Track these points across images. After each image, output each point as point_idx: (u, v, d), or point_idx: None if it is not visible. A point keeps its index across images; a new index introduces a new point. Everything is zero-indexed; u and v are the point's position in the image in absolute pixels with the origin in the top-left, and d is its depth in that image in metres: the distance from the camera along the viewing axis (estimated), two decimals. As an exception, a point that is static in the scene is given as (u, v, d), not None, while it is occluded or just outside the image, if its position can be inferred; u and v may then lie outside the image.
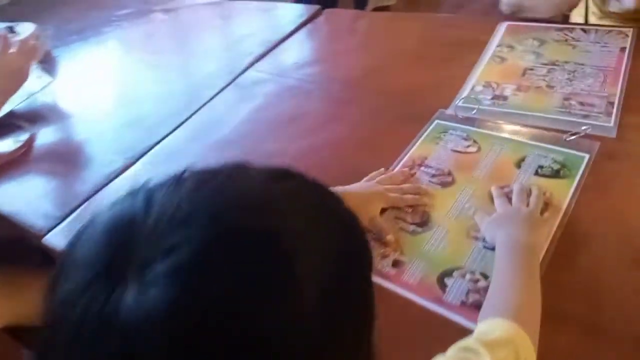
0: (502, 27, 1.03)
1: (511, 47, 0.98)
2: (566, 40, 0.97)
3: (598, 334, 0.51)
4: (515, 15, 1.02)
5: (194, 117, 1.01)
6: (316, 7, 1.30)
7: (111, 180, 0.87)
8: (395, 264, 0.60)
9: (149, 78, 1.22)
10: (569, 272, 0.57)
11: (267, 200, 0.31)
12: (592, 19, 1.12)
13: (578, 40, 0.96)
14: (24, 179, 0.92)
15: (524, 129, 0.77)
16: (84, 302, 0.26)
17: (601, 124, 0.75)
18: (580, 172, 0.67)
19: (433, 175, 0.72)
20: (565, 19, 1.16)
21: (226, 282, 0.26)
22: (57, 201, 0.85)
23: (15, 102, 1.08)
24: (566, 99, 0.82)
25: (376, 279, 0.55)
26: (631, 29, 0.94)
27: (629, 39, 0.92)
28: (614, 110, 0.76)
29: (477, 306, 0.53)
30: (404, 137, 0.82)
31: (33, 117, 1.08)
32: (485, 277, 0.57)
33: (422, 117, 0.86)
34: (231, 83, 1.09)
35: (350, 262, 0.32)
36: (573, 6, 1.07)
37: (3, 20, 1.38)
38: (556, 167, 0.69)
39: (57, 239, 0.77)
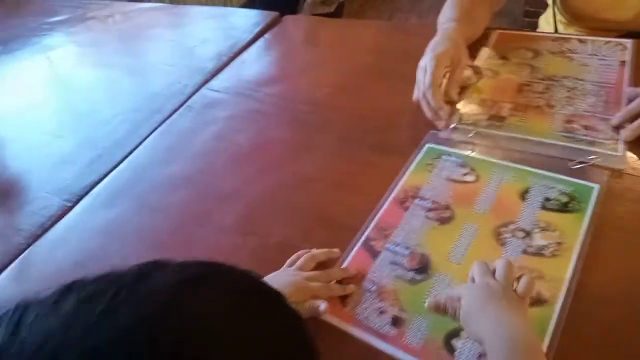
0: (494, 36, 0.95)
1: (504, 58, 0.90)
2: (562, 52, 0.90)
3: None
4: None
5: (139, 148, 0.86)
6: (275, 13, 1.17)
7: (47, 230, 0.72)
8: (396, 321, 0.52)
9: (86, 99, 1.05)
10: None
11: (164, 335, 0.25)
12: (560, 28, 1.07)
13: (575, 52, 0.89)
14: None
15: (525, 155, 0.69)
16: None
17: (609, 152, 0.67)
18: (591, 205, 0.60)
19: (429, 210, 0.64)
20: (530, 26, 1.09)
21: None
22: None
23: None
24: (568, 121, 0.74)
25: (375, 341, 0.50)
26: (630, 40, 0.88)
27: (628, 52, 0.86)
28: (620, 137, 0.70)
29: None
30: (387, 169, 0.71)
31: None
32: None
33: (406, 144, 0.75)
34: (182, 105, 0.95)
35: None
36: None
37: None
38: (564, 199, 0.61)
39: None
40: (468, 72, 0.84)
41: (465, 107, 0.80)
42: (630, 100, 0.71)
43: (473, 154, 0.71)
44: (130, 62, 1.17)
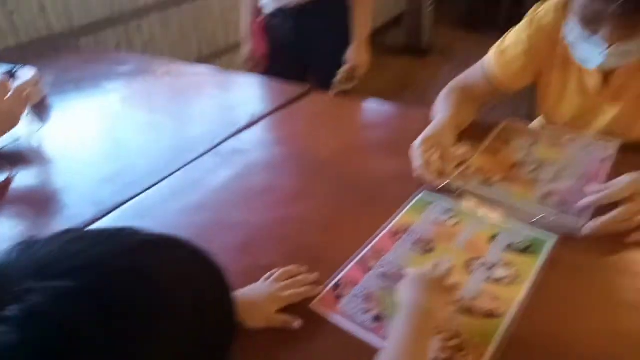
0: (503, 124, 1.09)
1: (506, 141, 1.02)
2: (556, 143, 1.01)
3: None
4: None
5: (170, 178, 1.01)
6: (304, 87, 1.35)
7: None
8: (377, 318, 0.65)
9: (135, 135, 1.23)
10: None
11: (132, 267, 0.35)
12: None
13: (567, 145, 1.00)
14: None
15: (502, 212, 0.83)
16: None
17: (574, 221, 0.78)
18: (546, 250, 0.74)
19: (415, 243, 0.77)
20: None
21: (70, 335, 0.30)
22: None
23: (1, 145, 1.09)
24: (546, 194, 0.86)
25: (359, 332, 0.63)
26: (617, 141, 0.98)
27: (612, 151, 0.96)
28: (587, 213, 0.79)
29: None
30: (371, 219, 0.82)
31: (16, 160, 1.08)
32: (457, 336, 0.61)
33: (390, 200, 0.86)
34: (212, 150, 1.10)
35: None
36: None
37: (6, 63, 1.40)
38: (526, 245, 0.76)
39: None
40: (463, 150, 0.96)
41: (462, 171, 0.92)
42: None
43: (458, 205, 0.85)
44: (175, 111, 1.35)
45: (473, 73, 1.11)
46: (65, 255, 0.34)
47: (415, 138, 0.94)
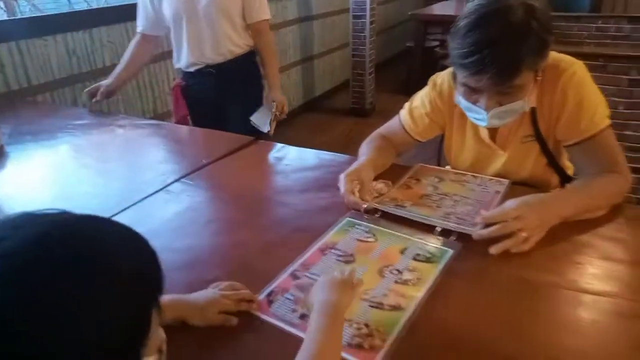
0: (417, 167, 1.27)
1: (418, 180, 1.20)
2: (459, 181, 1.19)
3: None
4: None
5: (120, 214, 1.10)
6: (249, 138, 1.52)
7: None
8: (302, 317, 0.77)
9: (86, 180, 1.32)
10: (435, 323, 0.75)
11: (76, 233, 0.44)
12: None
13: (467, 182, 1.18)
14: None
15: (411, 230, 0.99)
16: None
17: (469, 230, 0.95)
18: (445, 261, 0.90)
19: (340, 256, 0.92)
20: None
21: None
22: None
23: None
24: (448, 214, 1.03)
25: (287, 328, 0.75)
26: (507, 181, 1.17)
27: (504, 187, 1.15)
28: (478, 227, 0.95)
29: (358, 345, 0.71)
30: (301, 244, 0.95)
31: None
32: (367, 325, 0.74)
33: (316, 228, 1.00)
34: (162, 189, 1.21)
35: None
36: None
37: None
38: (428, 255, 0.91)
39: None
40: (381, 185, 1.13)
41: (380, 199, 1.08)
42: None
43: (376, 226, 1.01)
44: (127, 159, 1.46)
45: (392, 124, 1.30)
46: (13, 225, 0.42)
47: (337, 180, 1.11)
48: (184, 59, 1.93)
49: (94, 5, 2.71)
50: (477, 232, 0.92)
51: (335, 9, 4.74)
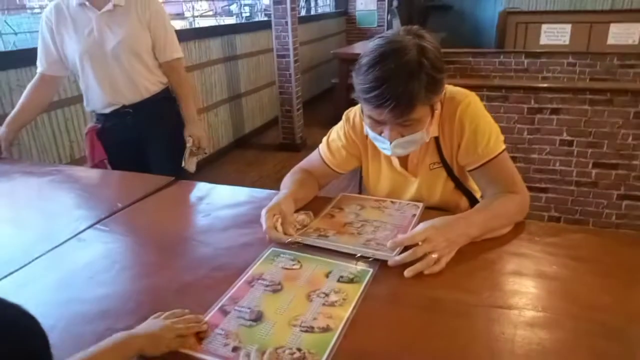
0: (339, 196, 1.31)
1: (341, 208, 1.23)
2: (379, 207, 1.24)
3: None
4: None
5: (31, 264, 1.03)
6: (170, 178, 1.48)
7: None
8: (235, 349, 0.77)
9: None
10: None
11: None
12: None
13: (386, 208, 1.23)
14: None
15: (334, 255, 1.02)
16: None
17: (383, 256, 0.99)
18: (367, 280, 0.95)
19: (267, 286, 0.93)
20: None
21: None
22: None
23: None
24: (367, 241, 1.06)
25: None
26: (421, 204, 1.23)
27: (419, 209, 1.21)
28: (396, 252, 1.00)
29: None
30: (224, 281, 0.94)
31: None
32: (300, 350, 0.76)
33: (244, 264, 0.99)
34: (74, 236, 1.15)
35: None
36: None
37: None
38: (351, 276, 0.96)
39: None
40: (302, 216, 1.14)
41: (303, 231, 1.10)
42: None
43: (300, 254, 1.03)
44: (37, 206, 1.38)
45: (313, 158, 1.34)
46: None
47: (258, 215, 1.11)
48: (97, 101, 1.88)
49: (1, 48, 2.58)
50: (392, 259, 0.96)
51: (259, 48, 4.84)
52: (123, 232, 1.19)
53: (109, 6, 1.76)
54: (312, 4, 7.39)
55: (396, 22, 5.55)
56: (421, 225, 1.00)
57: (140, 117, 1.89)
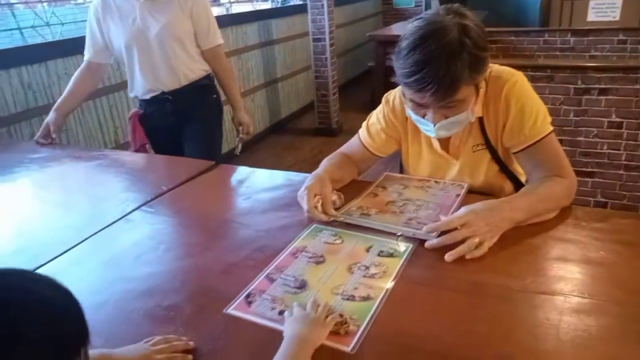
0: (382, 176, 1.32)
1: (384, 187, 1.25)
2: (422, 187, 1.24)
3: None
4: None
5: (81, 245, 1.08)
6: (212, 162, 1.51)
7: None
8: (281, 313, 0.82)
9: (45, 212, 1.29)
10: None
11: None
12: None
13: (430, 188, 1.23)
14: None
15: (375, 232, 1.04)
16: None
17: (426, 235, 1.00)
18: (406, 254, 0.96)
19: (310, 257, 0.97)
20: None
21: None
22: None
23: None
24: (410, 219, 1.07)
25: (268, 323, 0.79)
26: (466, 184, 1.21)
27: (463, 190, 1.19)
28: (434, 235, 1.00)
29: (335, 332, 0.77)
30: (263, 263, 0.95)
31: None
32: (342, 315, 0.80)
33: (279, 247, 1.01)
34: (122, 218, 1.20)
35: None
36: None
37: None
38: (391, 251, 0.98)
39: None
40: (334, 197, 1.15)
41: (346, 210, 1.13)
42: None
43: (342, 230, 1.06)
44: (86, 190, 1.44)
45: (352, 142, 1.34)
46: None
47: (296, 199, 1.14)
48: (139, 87, 1.93)
49: (50, 39, 2.68)
50: (428, 243, 0.95)
51: (295, 33, 4.83)
52: (168, 213, 1.23)
53: None
54: (348, -15, 7.27)
55: (435, 1, 5.40)
56: (461, 210, 0.98)
57: (178, 104, 1.93)
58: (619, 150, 2.58)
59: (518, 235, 0.98)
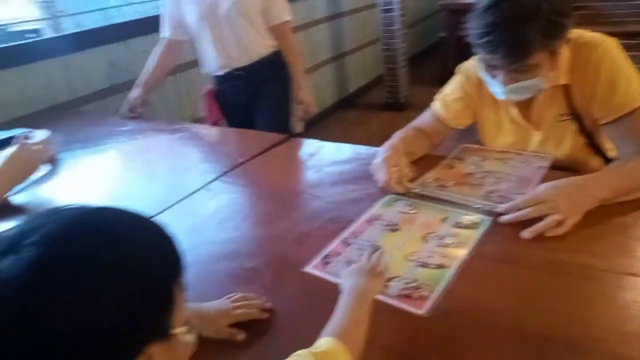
0: (459, 147, 1.30)
1: (461, 159, 1.23)
2: (503, 158, 1.20)
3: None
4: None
5: (165, 212, 1.16)
6: (284, 136, 1.55)
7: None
8: None
9: (133, 183, 1.39)
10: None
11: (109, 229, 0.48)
12: None
13: (511, 159, 1.20)
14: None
15: (451, 204, 1.04)
16: None
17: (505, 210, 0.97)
18: (484, 227, 0.95)
19: (385, 225, 0.99)
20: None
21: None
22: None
23: (17, 189, 1.26)
24: (490, 192, 1.06)
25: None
26: (550, 155, 1.16)
27: (547, 162, 1.15)
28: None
29: (407, 295, 0.79)
30: (331, 235, 0.97)
31: (27, 206, 1.24)
32: (415, 280, 0.82)
33: (351, 219, 1.02)
34: (202, 187, 1.26)
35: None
36: None
37: (23, 127, 1.60)
38: (468, 223, 0.97)
39: None
40: (407, 170, 1.14)
41: (422, 181, 1.13)
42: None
43: (417, 200, 1.07)
44: (168, 161, 1.53)
45: (425, 116, 1.31)
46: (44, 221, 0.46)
47: (367, 172, 1.15)
48: (212, 64, 2.00)
49: (128, 17, 2.83)
50: (503, 218, 0.93)
51: (363, 4, 4.73)
52: (244, 184, 1.29)
53: None
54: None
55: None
56: (541, 186, 0.94)
57: (250, 80, 1.98)
58: None
59: (604, 213, 0.92)
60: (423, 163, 1.21)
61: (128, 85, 2.13)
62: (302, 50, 2.18)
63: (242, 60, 1.95)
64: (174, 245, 0.53)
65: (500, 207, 0.96)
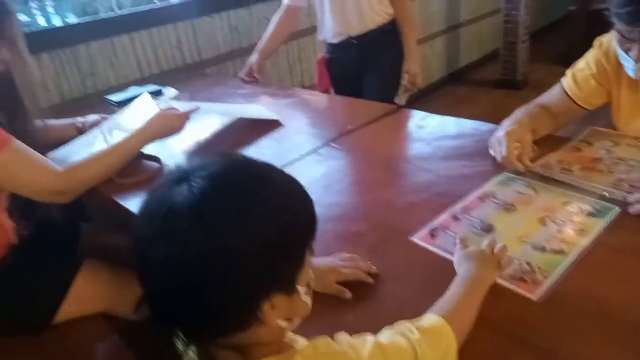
0: (587, 130, 1.21)
1: (589, 143, 1.15)
2: (638, 145, 1.10)
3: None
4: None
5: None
6: (393, 106, 1.54)
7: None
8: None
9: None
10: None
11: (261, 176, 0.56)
12: None
13: None
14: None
15: (575, 189, 0.98)
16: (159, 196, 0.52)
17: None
18: (611, 217, 0.88)
19: (499, 204, 0.96)
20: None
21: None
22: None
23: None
24: (619, 181, 0.98)
25: (448, 256, 0.82)
26: None
27: None
28: None
29: (520, 278, 0.76)
30: (440, 209, 0.96)
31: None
32: (529, 264, 0.79)
33: (461, 195, 1.00)
34: (313, 152, 1.31)
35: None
36: None
37: (154, 84, 1.77)
38: (593, 210, 0.91)
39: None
40: (529, 148, 1.08)
41: (544, 162, 1.07)
42: None
43: (537, 182, 1.01)
44: (284, 123, 1.59)
45: (552, 92, 1.22)
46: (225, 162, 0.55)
47: (481, 149, 1.10)
48: (328, 30, 2.01)
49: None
50: (633, 208, 0.86)
51: (486, -28, 4.43)
52: (352, 151, 1.31)
53: None
54: None
55: None
56: None
57: (364, 49, 1.97)
58: None
59: None
60: (545, 144, 1.14)
61: (248, 50, 2.24)
62: (416, 20, 2.11)
63: (358, 28, 1.95)
64: (314, 209, 0.58)
65: (632, 197, 0.88)
